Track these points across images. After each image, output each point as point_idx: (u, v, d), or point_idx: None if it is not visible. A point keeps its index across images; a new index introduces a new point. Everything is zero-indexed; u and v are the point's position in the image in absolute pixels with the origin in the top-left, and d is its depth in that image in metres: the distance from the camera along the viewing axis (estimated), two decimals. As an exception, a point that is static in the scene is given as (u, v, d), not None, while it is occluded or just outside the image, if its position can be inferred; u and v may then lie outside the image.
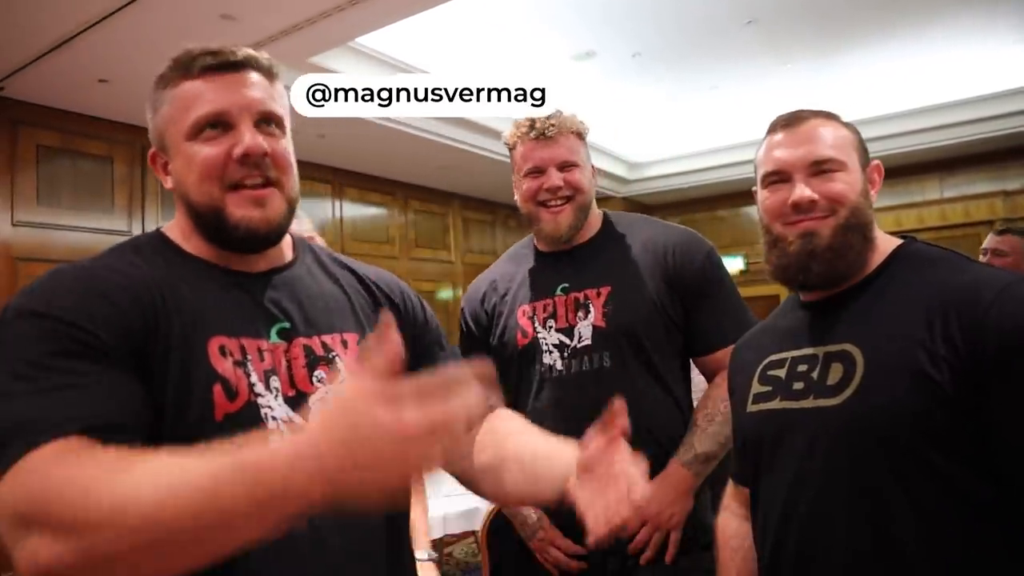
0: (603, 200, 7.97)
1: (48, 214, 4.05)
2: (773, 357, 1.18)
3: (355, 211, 6.10)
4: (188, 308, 0.85)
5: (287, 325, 0.92)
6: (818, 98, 5.85)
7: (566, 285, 1.56)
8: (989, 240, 3.03)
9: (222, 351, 0.85)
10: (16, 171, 3.92)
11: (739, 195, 7.82)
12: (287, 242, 1.03)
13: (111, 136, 4.36)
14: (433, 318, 1.13)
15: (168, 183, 0.94)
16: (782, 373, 1.15)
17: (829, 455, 1.03)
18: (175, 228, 0.96)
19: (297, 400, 0.88)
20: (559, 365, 1.52)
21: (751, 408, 1.18)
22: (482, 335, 1.67)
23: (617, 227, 1.64)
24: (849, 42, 5.00)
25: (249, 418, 0.84)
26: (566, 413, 1.46)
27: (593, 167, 1.63)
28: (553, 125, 1.54)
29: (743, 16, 4.43)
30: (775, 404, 1.13)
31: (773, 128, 1.18)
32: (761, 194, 1.18)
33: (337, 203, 5.93)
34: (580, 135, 1.59)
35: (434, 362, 1.08)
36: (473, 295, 1.73)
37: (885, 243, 1.14)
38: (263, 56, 0.94)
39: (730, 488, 1.34)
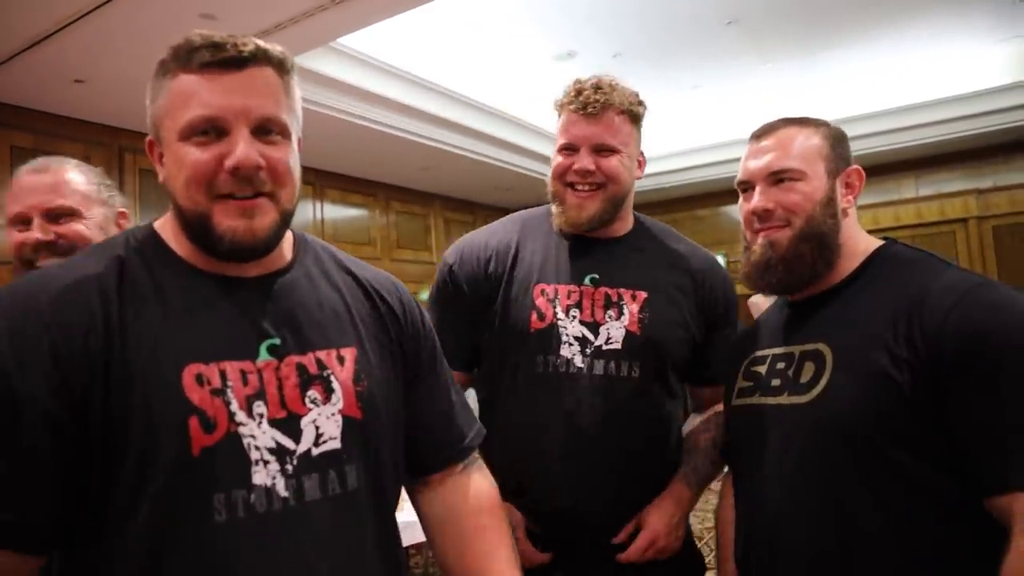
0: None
1: (23, 217, 3.98)
2: (758, 353, 1.22)
3: (336, 212, 6.06)
4: (158, 334, 0.80)
5: (278, 342, 0.86)
6: (798, 98, 5.91)
7: (595, 276, 1.40)
8: None
9: (199, 379, 0.79)
10: (-10, 173, 3.86)
11: (719, 194, 7.87)
12: (287, 241, 0.97)
13: (87, 137, 4.29)
14: (429, 325, 1.10)
15: (162, 175, 0.88)
16: (763, 369, 1.18)
17: (800, 451, 1.06)
18: (167, 225, 0.91)
19: (288, 422, 0.84)
20: (579, 362, 1.35)
21: (735, 402, 1.23)
22: (479, 305, 1.45)
23: (649, 232, 1.52)
24: (829, 42, 5.06)
25: (229, 450, 0.79)
26: (586, 419, 1.34)
27: (641, 156, 1.47)
28: (599, 100, 1.36)
29: (724, 16, 4.46)
30: (755, 399, 1.17)
31: (751, 137, 1.22)
32: (740, 202, 1.23)
33: (318, 204, 5.89)
34: (633, 116, 1.41)
35: (428, 371, 1.06)
36: (471, 255, 1.47)
37: (865, 243, 1.16)
38: (274, 49, 0.86)
39: (726, 477, 1.37)
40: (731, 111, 6.30)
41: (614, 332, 1.37)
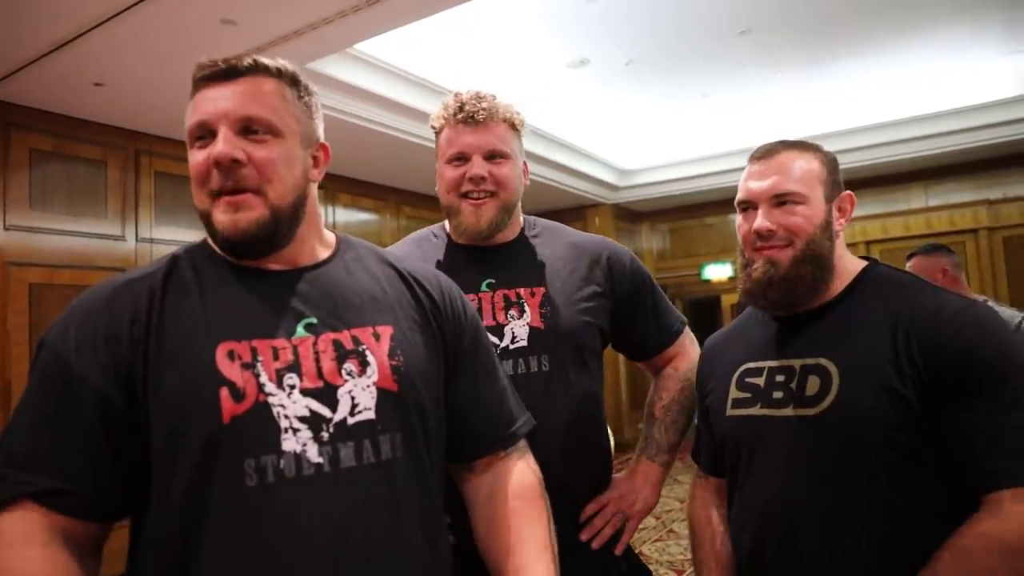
0: (593, 207, 8.01)
1: (40, 218, 4.04)
2: (750, 365, 1.27)
3: (348, 216, 6.11)
4: (196, 318, 0.90)
5: (313, 320, 0.94)
6: (808, 107, 5.93)
7: (492, 281, 1.42)
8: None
9: (230, 355, 0.87)
10: (8, 174, 3.91)
11: (729, 203, 7.80)
12: (325, 240, 1.06)
13: (105, 140, 4.35)
14: (473, 314, 1.15)
15: None
16: (760, 381, 1.23)
17: (807, 461, 1.12)
18: None
19: (325, 392, 0.90)
20: None
21: (731, 412, 1.26)
22: None
23: (539, 229, 1.55)
24: (840, 53, 5.07)
25: (259, 418, 0.86)
26: None
27: (525, 165, 1.51)
28: (484, 109, 1.40)
29: (737, 26, 4.49)
30: (755, 410, 1.22)
31: (751, 158, 1.27)
32: (737, 219, 1.29)
33: (330, 208, 5.93)
34: (514, 126, 1.45)
35: (471, 359, 1.10)
36: None
37: (852, 264, 1.24)
38: (273, 61, 0.95)
39: (697, 478, 1.42)
40: (742, 120, 6.32)
41: (518, 331, 1.39)
